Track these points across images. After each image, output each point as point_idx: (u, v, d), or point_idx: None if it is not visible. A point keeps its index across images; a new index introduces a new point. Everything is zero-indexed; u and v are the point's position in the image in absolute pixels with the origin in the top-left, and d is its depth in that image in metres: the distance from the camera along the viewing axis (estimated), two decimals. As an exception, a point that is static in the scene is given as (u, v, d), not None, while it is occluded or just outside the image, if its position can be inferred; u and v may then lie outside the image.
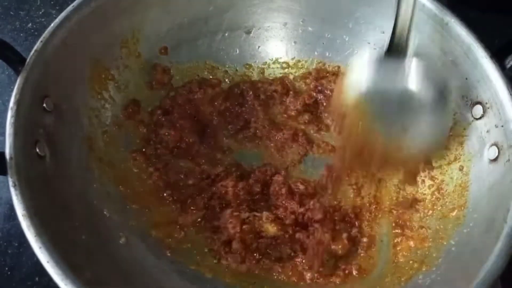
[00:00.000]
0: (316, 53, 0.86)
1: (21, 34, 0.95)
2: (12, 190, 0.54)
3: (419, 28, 0.74)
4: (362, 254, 0.71)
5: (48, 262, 0.51)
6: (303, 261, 0.69)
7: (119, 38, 0.75)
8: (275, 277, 0.69)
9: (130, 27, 0.76)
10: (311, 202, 0.72)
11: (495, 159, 0.64)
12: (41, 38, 0.63)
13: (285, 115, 0.84)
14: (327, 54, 0.85)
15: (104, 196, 0.69)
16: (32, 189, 0.55)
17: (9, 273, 0.74)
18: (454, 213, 0.68)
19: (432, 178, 0.74)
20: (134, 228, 0.69)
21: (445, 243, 0.66)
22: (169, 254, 0.69)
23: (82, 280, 0.52)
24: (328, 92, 0.83)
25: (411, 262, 0.68)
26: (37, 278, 0.74)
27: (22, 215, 0.53)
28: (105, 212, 0.67)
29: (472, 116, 0.69)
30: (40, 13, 0.98)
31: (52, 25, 0.65)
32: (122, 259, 0.64)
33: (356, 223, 0.73)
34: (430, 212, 0.72)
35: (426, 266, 0.65)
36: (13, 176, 0.54)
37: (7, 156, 0.55)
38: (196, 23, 0.81)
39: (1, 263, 0.75)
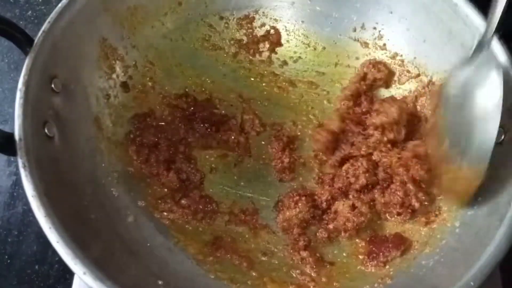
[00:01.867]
0: (324, 32, 0.85)
1: (21, 22, 0.95)
2: (21, 171, 0.54)
3: (427, 8, 0.74)
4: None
5: (58, 242, 0.52)
6: None
7: (123, 16, 0.75)
8: None
9: (135, 5, 0.75)
10: None
11: (501, 142, 0.64)
12: (49, 19, 0.64)
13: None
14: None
15: (112, 175, 0.70)
16: (42, 169, 0.56)
17: (8, 261, 0.76)
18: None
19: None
20: (142, 208, 0.70)
21: (449, 224, 0.66)
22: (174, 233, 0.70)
23: (90, 258, 0.53)
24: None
25: (414, 243, 0.68)
26: (37, 267, 0.76)
27: (32, 196, 0.53)
28: (113, 192, 0.68)
29: (479, 98, 0.69)
30: (40, 0, 0.98)
31: (59, 5, 0.65)
32: (130, 237, 0.65)
33: None
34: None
35: (430, 247, 0.66)
36: (22, 157, 0.55)
37: (17, 137, 0.56)
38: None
39: (0, 252, 0.77)
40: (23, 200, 0.79)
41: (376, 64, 0.82)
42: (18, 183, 0.81)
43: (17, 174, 0.55)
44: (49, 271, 0.77)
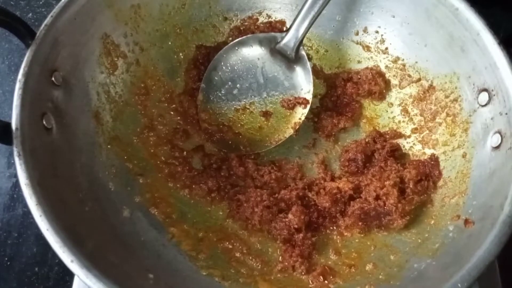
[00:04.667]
0: (326, 36, 0.86)
1: (22, 25, 0.96)
2: (16, 159, 0.55)
3: (429, 13, 0.74)
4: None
5: (47, 230, 0.52)
6: None
7: (127, 14, 0.76)
8: None
9: (138, 4, 0.76)
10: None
11: (498, 147, 0.64)
12: (51, 13, 0.65)
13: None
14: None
15: (109, 169, 0.70)
16: (37, 159, 0.57)
17: (8, 263, 0.77)
18: (454, 199, 0.68)
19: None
20: (138, 203, 0.71)
21: (443, 228, 0.66)
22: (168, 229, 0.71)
23: (82, 249, 0.53)
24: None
25: (407, 248, 0.68)
26: (36, 269, 0.76)
27: (25, 184, 0.54)
28: (109, 186, 0.69)
29: (478, 103, 0.69)
30: (41, 3, 0.99)
31: (63, 0, 0.66)
32: (124, 231, 0.66)
33: None
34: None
35: (423, 250, 0.66)
36: (18, 146, 0.56)
37: (13, 126, 0.57)
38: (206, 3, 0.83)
39: (0, 254, 0.77)
40: (23, 202, 0.78)
41: (375, 75, 0.82)
42: (18, 185, 0.81)
43: (17, 176, 0.55)
44: (49, 273, 0.77)
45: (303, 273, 0.68)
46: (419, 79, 0.79)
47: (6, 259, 0.77)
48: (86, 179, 0.66)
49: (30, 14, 0.97)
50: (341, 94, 0.83)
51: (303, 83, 0.80)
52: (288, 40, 0.79)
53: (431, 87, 0.77)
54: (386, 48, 0.82)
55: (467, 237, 0.61)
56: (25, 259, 0.77)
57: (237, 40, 0.81)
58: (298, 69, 0.80)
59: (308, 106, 0.79)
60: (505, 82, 0.64)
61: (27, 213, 0.78)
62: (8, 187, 0.76)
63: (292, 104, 0.80)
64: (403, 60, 0.81)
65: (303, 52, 0.80)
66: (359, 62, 0.84)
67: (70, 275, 0.72)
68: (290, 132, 0.79)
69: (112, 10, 0.73)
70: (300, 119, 0.79)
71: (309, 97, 0.79)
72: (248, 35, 0.82)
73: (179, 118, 0.81)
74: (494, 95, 0.66)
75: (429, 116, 0.77)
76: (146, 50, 0.79)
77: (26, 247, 0.78)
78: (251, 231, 0.73)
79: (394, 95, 0.82)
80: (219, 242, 0.71)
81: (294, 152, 0.81)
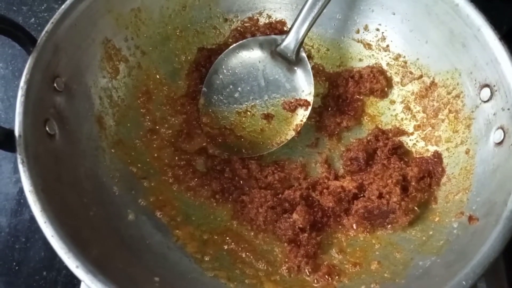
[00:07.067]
0: (327, 34, 0.86)
1: (24, 30, 0.97)
2: (20, 167, 0.56)
3: (429, 9, 0.74)
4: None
5: (52, 236, 0.53)
6: None
7: (127, 18, 0.76)
8: None
9: (138, 7, 0.77)
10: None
11: (500, 143, 0.63)
12: (52, 20, 0.65)
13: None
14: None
15: (114, 174, 0.71)
16: (40, 166, 0.57)
17: (17, 268, 0.77)
18: (458, 196, 0.67)
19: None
20: (143, 206, 0.71)
21: (447, 225, 0.66)
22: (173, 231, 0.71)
23: (87, 254, 0.53)
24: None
25: (412, 246, 0.68)
26: (44, 273, 0.76)
27: (29, 191, 0.54)
28: (114, 190, 0.69)
29: (480, 98, 0.68)
30: (43, 8, 0.99)
31: (63, 6, 0.66)
32: (129, 235, 0.66)
33: None
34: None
35: (427, 248, 0.66)
36: (21, 153, 0.56)
37: (16, 134, 0.57)
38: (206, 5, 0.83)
39: (8, 258, 0.78)
40: (30, 207, 0.79)
41: (376, 73, 0.82)
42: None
43: (22, 181, 0.56)
44: (57, 277, 0.77)
45: (308, 273, 0.68)
46: (421, 76, 0.79)
47: (14, 263, 0.78)
48: (90, 183, 0.66)
49: (33, 19, 0.97)
50: (343, 92, 0.83)
51: (304, 85, 0.80)
52: (289, 42, 0.79)
53: (433, 83, 0.77)
54: (387, 46, 0.82)
55: (471, 234, 0.61)
56: (33, 264, 0.77)
57: (237, 43, 0.82)
58: (299, 71, 0.80)
59: (310, 108, 0.79)
60: (507, 77, 0.64)
61: (34, 218, 0.78)
62: (14, 192, 0.77)
63: (294, 106, 0.79)
64: (404, 57, 0.81)
65: (303, 54, 0.80)
66: (360, 60, 0.84)
67: (77, 279, 0.72)
68: (291, 134, 0.79)
69: (112, 15, 0.73)
70: (301, 121, 0.79)
71: (310, 98, 0.79)
72: (248, 38, 0.82)
73: (181, 120, 0.81)
74: (496, 91, 0.66)
75: (432, 113, 0.77)
76: (147, 54, 0.80)
77: (34, 252, 0.78)
78: (256, 232, 0.73)
79: (396, 93, 0.82)
80: (224, 243, 0.71)
81: (297, 152, 0.81)
